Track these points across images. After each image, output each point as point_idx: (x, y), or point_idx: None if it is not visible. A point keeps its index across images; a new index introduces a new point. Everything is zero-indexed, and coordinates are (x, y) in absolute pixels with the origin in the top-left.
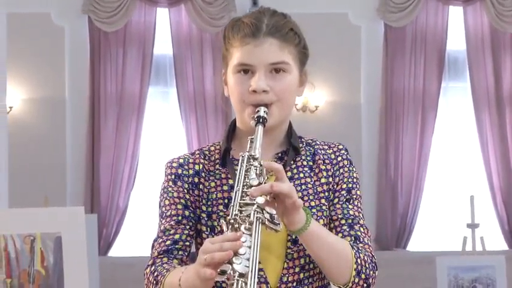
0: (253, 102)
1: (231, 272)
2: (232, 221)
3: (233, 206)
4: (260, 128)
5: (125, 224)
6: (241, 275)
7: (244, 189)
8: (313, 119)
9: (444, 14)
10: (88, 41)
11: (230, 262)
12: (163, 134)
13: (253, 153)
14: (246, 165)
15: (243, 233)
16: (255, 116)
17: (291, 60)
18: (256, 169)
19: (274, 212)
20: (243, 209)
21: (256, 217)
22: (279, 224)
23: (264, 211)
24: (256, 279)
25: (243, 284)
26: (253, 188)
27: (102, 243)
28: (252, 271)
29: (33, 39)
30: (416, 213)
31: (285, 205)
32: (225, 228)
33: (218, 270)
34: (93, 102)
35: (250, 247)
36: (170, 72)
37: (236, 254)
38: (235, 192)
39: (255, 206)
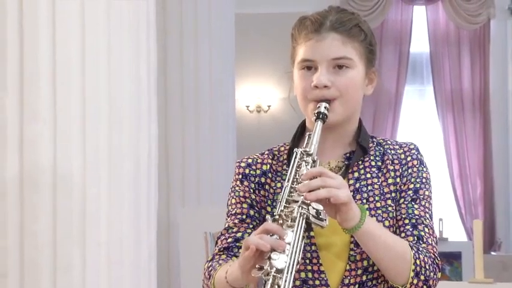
0: (315, 97)
1: (269, 267)
2: (277, 217)
3: (280, 202)
4: (319, 123)
5: None
6: (279, 271)
7: (294, 185)
8: None
9: None
10: None
11: (269, 257)
12: (420, 132)
13: (307, 149)
14: (298, 161)
15: (283, 228)
16: (315, 112)
17: (354, 56)
18: (308, 165)
19: (321, 207)
20: (290, 205)
21: (300, 213)
22: (325, 220)
23: (309, 207)
24: (293, 275)
25: (279, 279)
26: (301, 183)
27: None
28: (289, 266)
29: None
30: None
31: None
32: None
33: (256, 265)
34: None
35: (290, 243)
36: (427, 70)
37: (274, 249)
38: (284, 188)
39: (300, 201)
